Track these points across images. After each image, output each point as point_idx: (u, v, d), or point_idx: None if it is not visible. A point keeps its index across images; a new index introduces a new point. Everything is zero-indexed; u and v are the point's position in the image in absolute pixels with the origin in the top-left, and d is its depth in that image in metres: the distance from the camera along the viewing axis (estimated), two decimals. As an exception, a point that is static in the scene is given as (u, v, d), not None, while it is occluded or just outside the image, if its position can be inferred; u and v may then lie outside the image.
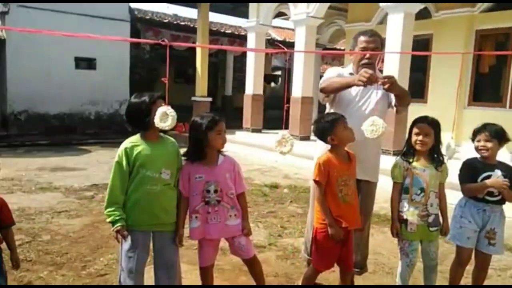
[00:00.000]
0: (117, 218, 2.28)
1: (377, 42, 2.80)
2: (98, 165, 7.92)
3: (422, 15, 8.45)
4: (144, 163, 2.33)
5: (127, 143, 2.37)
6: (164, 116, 2.24)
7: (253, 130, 10.75)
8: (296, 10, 9.47)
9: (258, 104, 10.71)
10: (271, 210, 5.40)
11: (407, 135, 2.75)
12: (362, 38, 2.82)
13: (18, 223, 4.19)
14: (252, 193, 6.07)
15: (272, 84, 20.43)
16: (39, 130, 11.13)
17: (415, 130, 2.64)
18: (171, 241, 2.45)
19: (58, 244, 4.01)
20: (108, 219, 2.32)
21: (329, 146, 2.60)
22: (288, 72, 19.54)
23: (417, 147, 2.63)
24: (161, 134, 2.47)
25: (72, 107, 11.52)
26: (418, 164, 2.66)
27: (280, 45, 6.32)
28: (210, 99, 12.38)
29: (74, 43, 10.97)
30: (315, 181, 2.53)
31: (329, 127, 2.52)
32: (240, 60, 17.25)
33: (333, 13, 11.23)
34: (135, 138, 2.39)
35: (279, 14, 12.27)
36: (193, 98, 12.27)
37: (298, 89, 9.55)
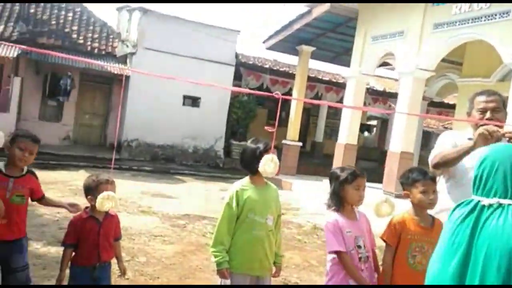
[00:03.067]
0: (222, 260, 2.36)
1: (498, 102, 2.47)
2: (191, 196, 8.32)
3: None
4: (253, 207, 2.39)
5: (238, 186, 2.45)
6: (269, 163, 2.31)
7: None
8: (404, 61, 9.13)
9: (351, 153, 10.35)
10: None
11: None
12: (479, 98, 2.50)
13: (121, 241, 4.50)
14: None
15: (366, 134, 19.85)
16: (145, 157, 12.24)
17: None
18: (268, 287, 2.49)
19: (152, 267, 4.20)
20: (214, 259, 2.40)
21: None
22: (386, 123, 18.90)
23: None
24: (266, 180, 2.55)
25: (175, 140, 12.56)
26: None
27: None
28: (300, 143, 12.41)
29: (183, 83, 12.06)
30: (382, 238, 2.37)
31: (406, 182, 2.36)
32: (334, 107, 17.20)
33: (445, 65, 10.63)
34: (245, 182, 2.48)
35: (383, 64, 12.06)
36: (283, 141, 12.42)
37: (397, 143, 9.01)
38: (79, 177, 8.51)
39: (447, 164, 2.42)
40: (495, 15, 7.25)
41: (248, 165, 2.46)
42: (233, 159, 13.24)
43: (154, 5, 15.24)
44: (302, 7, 10.86)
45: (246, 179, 2.49)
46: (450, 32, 8.06)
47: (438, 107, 16.65)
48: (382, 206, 2.41)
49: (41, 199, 2.75)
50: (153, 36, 12.11)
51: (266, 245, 2.42)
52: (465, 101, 9.24)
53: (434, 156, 2.51)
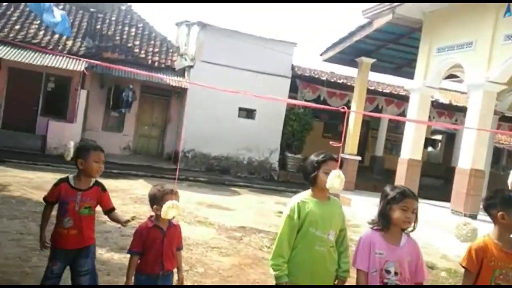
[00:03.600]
0: (282, 274, 2.29)
1: None
2: (247, 208, 8.26)
3: None
4: (315, 221, 2.31)
5: (299, 198, 2.39)
6: (336, 179, 2.26)
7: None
8: (473, 74, 8.59)
9: (415, 169, 9.81)
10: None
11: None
12: None
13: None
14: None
15: (429, 149, 18.82)
16: (200, 168, 12.46)
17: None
18: None
19: (210, 279, 4.15)
20: (274, 272, 2.33)
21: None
22: (451, 138, 17.81)
23: None
24: (329, 195, 2.46)
25: (230, 151, 12.65)
26: None
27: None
28: (359, 158, 12.00)
29: (239, 95, 12.16)
30: (461, 265, 2.22)
31: (507, 203, 2.14)
32: (396, 121, 16.51)
33: (522, 79, 9.86)
34: (306, 195, 2.41)
35: (449, 76, 11.40)
36: (341, 155, 12.03)
37: (467, 160, 8.40)
38: (139, 186, 8.85)
39: None
40: None
41: (307, 176, 2.40)
42: (288, 172, 13.08)
43: (212, 19, 15.80)
44: (360, 19, 10.63)
45: (308, 192, 2.42)
46: None
47: (511, 121, 15.41)
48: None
49: (109, 212, 2.83)
50: (211, 50, 12.39)
51: (328, 262, 2.33)
52: None
53: None
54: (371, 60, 11.97)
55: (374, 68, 12.35)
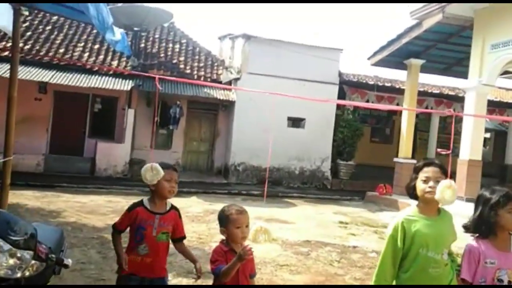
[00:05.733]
0: None
1: None
2: (306, 220, 8.24)
3: None
4: (425, 242, 2.12)
5: (403, 215, 2.19)
6: (446, 190, 2.05)
7: (467, 200, 9.47)
8: (533, 68, 8.22)
9: (475, 170, 9.48)
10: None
11: None
12: None
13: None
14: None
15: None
16: (252, 181, 12.55)
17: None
18: None
19: (288, 301, 4.17)
20: None
21: None
22: (501, 135, 17.03)
23: None
24: (440, 207, 2.23)
25: (281, 162, 12.62)
26: None
27: None
28: (414, 161, 11.67)
29: (287, 104, 12.18)
30: None
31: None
32: (444, 120, 15.99)
33: None
34: (412, 211, 2.20)
35: (504, 73, 10.94)
36: (395, 160, 11.86)
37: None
38: (192, 204, 8.86)
39: None
40: None
41: (408, 189, 2.25)
42: (341, 180, 12.96)
43: (256, 31, 16.00)
44: (407, 21, 10.43)
45: (413, 207, 2.21)
46: None
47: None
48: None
49: (179, 240, 2.66)
50: (256, 61, 12.44)
51: (444, 282, 2.18)
52: None
53: None
54: (421, 62, 11.68)
55: (423, 69, 12.03)
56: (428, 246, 2.11)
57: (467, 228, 2.21)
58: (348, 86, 13.44)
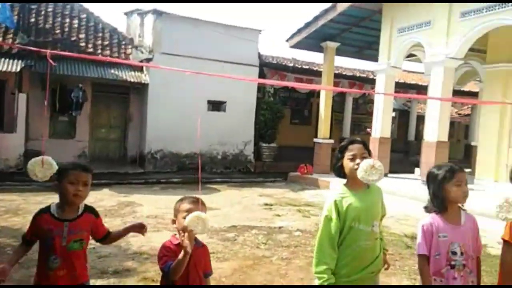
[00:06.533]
0: (328, 282, 2.11)
1: None
2: (231, 205, 8.10)
3: None
4: (357, 216, 2.14)
5: (335, 195, 2.19)
6: (370, 169, 2.07)
7: (380, 175, 10.15)
8: (433, 51, 8.94)
9: (385, 147, 10.17)
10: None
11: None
12: None
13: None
14: (393, 243, 5.60)
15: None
16: (171, 168, 11.99)
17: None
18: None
19: (215, 289, 3.99)
20: (318, 282, 2.16)
21: None
22: (404, 114, 18.66)
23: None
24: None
25: (202, 147, 12.20)
26: None
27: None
28: (332, 141, 12.19)
29: (207, 87, 11.81)
30: (504, 240, 2.20)
31: None
32: (356, 102, 16.96)
33: (468, 53, 10.41)
34: (342, 190, 2.21)
35: (409, 56, 11.78)
36: (315, 140, 12.23)
37: (433, 133, 8.82)
38: (104, 197, 8.16)
39: None
40: None
41: (335, 168, 2.27)
42: (264, 162, 12.99)
43: (168, 7, 14.85)
44: (319, 5, 10.69)
45: (342, 186, 2.24)
46: (478, 20, 8.06)
47: (459, 95, 16.36)
48: (505, 208, 2.18)
49: (106, 238, 2.40)
50: (170, 40, 11.66)
51: (375, 254, 2.21)
52: (492, 87, 9.22)
53: None
54: (336, 44, 12.07)
55: (338, 52, 12.47)
56: (359, 219, 2.14)
57: (426, 209, 2.28)
58: (268, 68, 13.45)
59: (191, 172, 11.89)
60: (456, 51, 8.52)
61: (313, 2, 13.19)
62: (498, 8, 7.60)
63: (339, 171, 2.24)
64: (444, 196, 2.18)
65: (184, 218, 2.02)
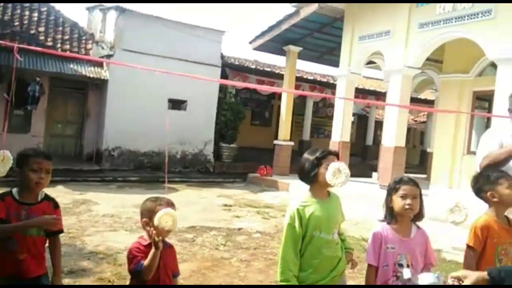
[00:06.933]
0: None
1: None
2: (190, 205, 7.95)
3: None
4: (319, 225, 2.18)
5: (298, 203, 2.22)
6: (337, 173, 2.13)
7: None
8: (392, 60, 9.26)
9: (345, 151, 10.38)
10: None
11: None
12: None
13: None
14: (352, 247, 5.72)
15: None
16: (129, 167, 11.68)
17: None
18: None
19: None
20: None
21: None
22: (362, 119, 19.27)
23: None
24: (329, 190, 2.34)
25: (161, 146, 11.97)
26: None
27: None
28: (292, 143, 12.34)
29: (168, 85, 11.60)
30: (468, 246, 2.24)
31: (488, 182, 2.27)
32: (317, 105, 17.31)
33: (426, 63, 10.92)
34: (305, 197, 2.26)
35: (368, 62, 12.16)
36: (275, 142, 12.32)
37: (391, 139, 9.12)
38: (58, 194, 7.64)
39: (499, 165, 2.46)
40: (478, 14, 7.55)
41: (306, 176, 2.25)
42: (223, 163, 12.94)
43: (131, 4, 14.56)
44: (283, 8, 10.81)
45: (306, 192, 2.28)
46: (435, 31, 8.35)
47: (416, 102, 17.13)
48: (455, 212, 2.33)
49: (53, 235, 2.32)
50: (132, 37, 11.52)
51: (337, 259, 2.25)
52: (446, 96, 9.61)
53: (483, 158, 2.55)
54: (298, 49, 12.24)
55: (300, 56, 12.65)
56: (321, 228, 2.18)
57: (381, 218, 2.31)
58: (230, 69, 13.42)
59: (149, 171, 11.64)
60: (414, 61, 8.82)
61: (278, 2, 13.19)
62: (454, 21, 7.93)
63: (311, 178, 2.23)
64: (391, 207, 2.22)
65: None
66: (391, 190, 2.22)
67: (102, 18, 12.55)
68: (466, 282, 1.63)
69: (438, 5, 8.16)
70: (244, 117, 13.64)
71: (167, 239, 2.18)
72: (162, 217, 1.97)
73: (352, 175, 8.44)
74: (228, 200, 8.77)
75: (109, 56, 11.61)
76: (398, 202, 2.18)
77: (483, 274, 1.64)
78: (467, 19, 7.73)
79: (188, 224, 6.38)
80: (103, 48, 12.02)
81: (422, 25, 8.60)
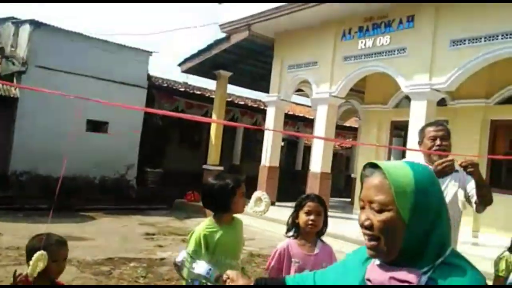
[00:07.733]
0: None
1: (445, 131, 2.72)
2: (108, 235, 7.27)
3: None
4: (225, 251, 2.17)
5: (203, 229, 2.17)
6: (259, 201, 2.26)
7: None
8: (319, 89, 9.62)
9: (273, 175, 10.47)
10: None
11: None
12: (430, 128, 2.75)
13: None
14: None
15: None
16: (39, 193, 10.45)
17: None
18: None
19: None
20: None
21: None
22: (292, 144, 19.70)
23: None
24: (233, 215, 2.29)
25: (77, 170, 10.90)
26: None
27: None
28: (221, 167, 12.06)
29: (87, 105, 10.76)
30: None
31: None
32: (247, 130, 17.31)
33: (350, 93, 11.56)
34: (210, 222, 2.21)
35: (297, 90, 12.51)
36: (204, 166, 11.97)
37: (317, 165, 9.36)
38: None
39: None
40: (394, 51, 8.17)
41: (219, 203, 2.18)
42: (148, 188, 12.18)
43: (48, 19, 13.60)
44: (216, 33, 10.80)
45: (210, 219, 2.23)
46: (358, 64, 8.85)
47: (341, 129, 18.05)
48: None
49: None
50: (48, 53, 10.64)
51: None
52: (368, 125, 10.14)
53: None
54: (229, 73, 12.25)
55: (231, 80, 12.66)
56: (227, 254, 2.18)
57: (286, 233, 2.35)
58: (157, 90, 12.93)
59: (63, 197, 10.51)
60: (339, 91, 9.23)
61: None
62: (374, 56, 8.51)
63: (225, 207, 2.17)
64: (297, 222, 2.29)
65: (54, 261, 1.94)
66: (298, 206, 2.29)
67: (14, 32, 11.49)
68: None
69: (359, 40, 8.71)
70: (171, 140, 13.11)
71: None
72: (38, 264, 1.84)
73: (281, 200, 8.43)
74: (151, 228, 8.19)
75: (20, 73, 10.60)
76: (302, 218, 2.24)
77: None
78: (385, 55, 8.33)
79: (105, 256, 5.80)
80: (13, 63, 10.94)
81: (346, 58, 9.10)
